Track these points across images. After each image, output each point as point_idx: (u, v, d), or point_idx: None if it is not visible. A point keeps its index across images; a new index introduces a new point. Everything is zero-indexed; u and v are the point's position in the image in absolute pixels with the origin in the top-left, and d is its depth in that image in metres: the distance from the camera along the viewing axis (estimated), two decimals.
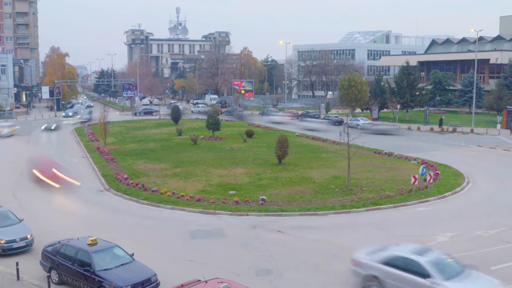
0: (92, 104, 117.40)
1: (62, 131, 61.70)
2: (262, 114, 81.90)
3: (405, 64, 72.76)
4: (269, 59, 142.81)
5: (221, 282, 14.34)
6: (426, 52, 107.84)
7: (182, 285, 14.62)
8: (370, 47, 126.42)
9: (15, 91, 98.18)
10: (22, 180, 33.89)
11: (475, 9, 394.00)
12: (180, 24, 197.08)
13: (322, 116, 73.10)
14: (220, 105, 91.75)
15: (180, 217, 25.47)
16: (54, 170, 32.88)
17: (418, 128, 61.55)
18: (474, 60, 67.05)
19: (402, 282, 15.87)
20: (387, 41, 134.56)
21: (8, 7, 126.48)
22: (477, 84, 71.43)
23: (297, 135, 54.94)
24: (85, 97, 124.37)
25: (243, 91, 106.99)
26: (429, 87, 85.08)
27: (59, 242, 18.57)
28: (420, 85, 76.72)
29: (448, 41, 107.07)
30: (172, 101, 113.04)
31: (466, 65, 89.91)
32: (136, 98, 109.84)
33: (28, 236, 20.50)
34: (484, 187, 31.50)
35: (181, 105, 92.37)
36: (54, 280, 17.58)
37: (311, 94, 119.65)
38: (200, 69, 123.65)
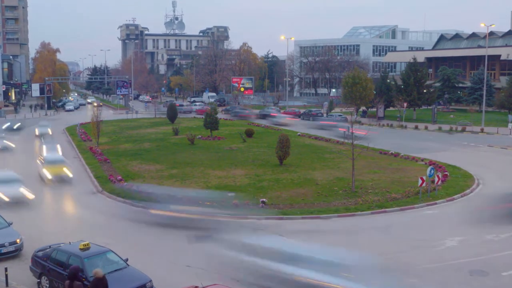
0: (84, 102, 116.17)
1: (54, 130, 59.81)
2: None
3: (412, 61, 71.45)
4: (270, 55, 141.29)
5: None
6: (434, 48, 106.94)
7: None
8: (375, 43, 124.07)
9: (4, 89, 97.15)
10: None
11: (486, 2, 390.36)
12: (177, 19, 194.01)
13: (325, 115, 72.24)
14: (218, 103, 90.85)
15: (177, 220, 24.45)
16: None
17: (426, 127, 60.61)
18: (484, 56, 66.20)
19: None
20: (393, 37, 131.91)
21: None
22: (487, 81, 70.24)
23: (298, 135, 54.24)
24: (73, 98, 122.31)
25: (242, 89, 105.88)
26: (437, 84, 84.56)
27: (50, 246, 18.25)
28: (428, 82, 75.74)
29: (457, 36, 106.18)
30: (168, 99, 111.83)
31: (476, 61, 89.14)
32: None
33: (18, 240, 20.01)
34: (495, 189, 30.59)
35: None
36: (44, 287, 17.24)
37: (314, 92, 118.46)
38: (197, 65, 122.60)
